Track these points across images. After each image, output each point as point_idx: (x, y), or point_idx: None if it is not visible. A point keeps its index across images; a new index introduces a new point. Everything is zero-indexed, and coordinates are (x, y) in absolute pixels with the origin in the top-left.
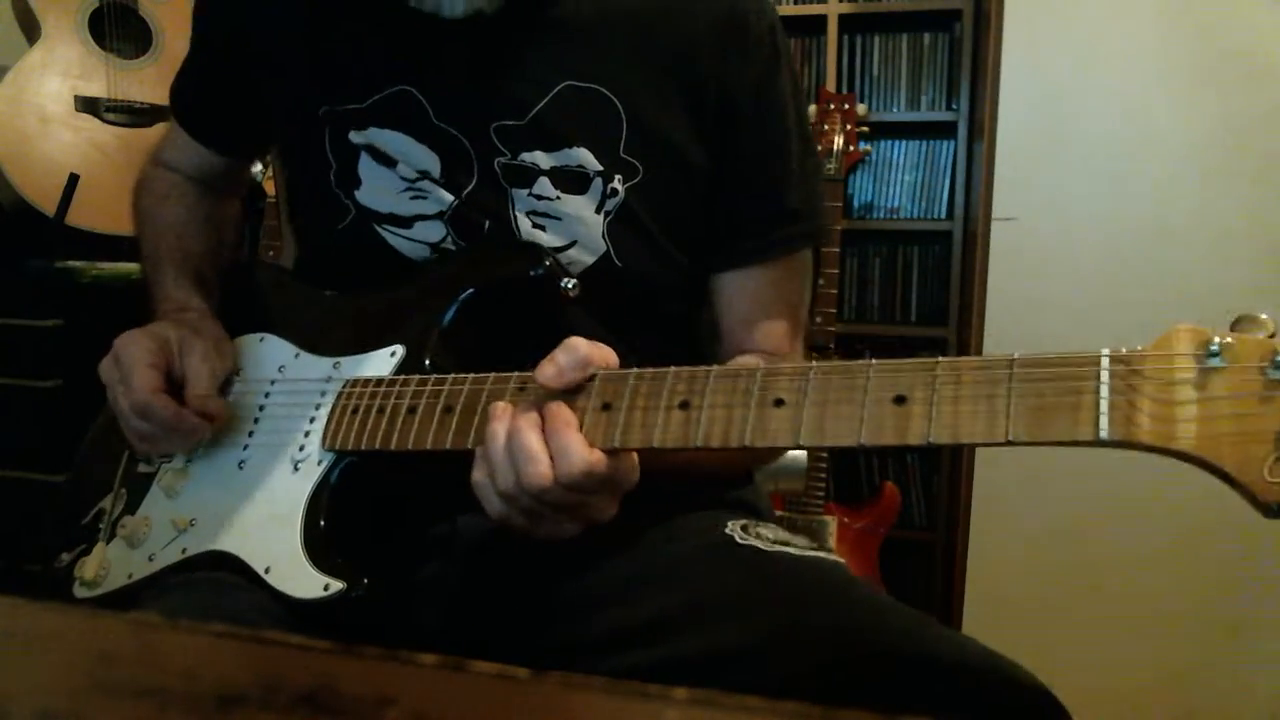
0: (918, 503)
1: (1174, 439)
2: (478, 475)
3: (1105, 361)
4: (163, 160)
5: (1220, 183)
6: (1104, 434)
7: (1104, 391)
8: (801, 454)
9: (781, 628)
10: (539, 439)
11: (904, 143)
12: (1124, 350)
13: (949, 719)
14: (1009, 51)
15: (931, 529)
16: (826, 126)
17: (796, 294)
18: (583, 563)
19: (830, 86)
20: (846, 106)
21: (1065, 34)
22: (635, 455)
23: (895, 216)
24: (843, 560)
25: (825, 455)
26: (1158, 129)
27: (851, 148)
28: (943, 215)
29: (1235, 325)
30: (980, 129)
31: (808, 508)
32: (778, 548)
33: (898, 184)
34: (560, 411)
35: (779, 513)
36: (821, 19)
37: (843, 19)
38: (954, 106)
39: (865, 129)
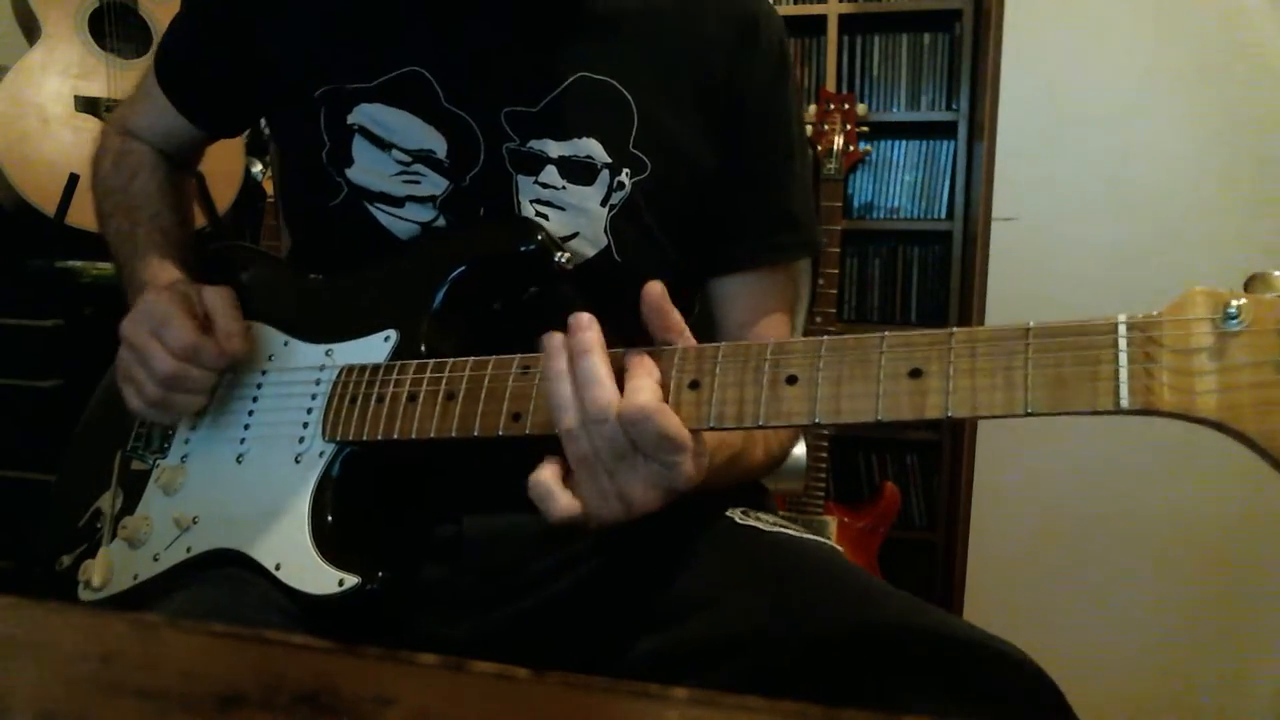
0: (918, 503)
1: (1195, 408)
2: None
3: (1122, 329)
4: (129, 128)
5: (1220, 183)
6: (1124, 403)
7: (1122, 360)
8: (801, 454)
9: (780, 613)
10: (606, 366)
11: (904, 143)
12: (1140, 316)
13: (945, 701)
14: (1009, 51)
15: (931, 529)
16: (826, 126)
17: (791, 303)
18: (583, 559)
19: (830, 86)
20: (846, 106)
21: (1065, 34)
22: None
23: (895, 216)
24: (840, 547)
25: (825, 455)
26: (1158, 129)
27: (851, 148)
28: (943, 215)
29: (1248, 285)
30: (980, 129)
31: (808, 508)
32: (777, 528)
33: (898, 184)
34: (644, 359)
35: (780, 513)
36: (821, 19)
37: (843, 19)
38: (954, 106)
39: (865, 129)
